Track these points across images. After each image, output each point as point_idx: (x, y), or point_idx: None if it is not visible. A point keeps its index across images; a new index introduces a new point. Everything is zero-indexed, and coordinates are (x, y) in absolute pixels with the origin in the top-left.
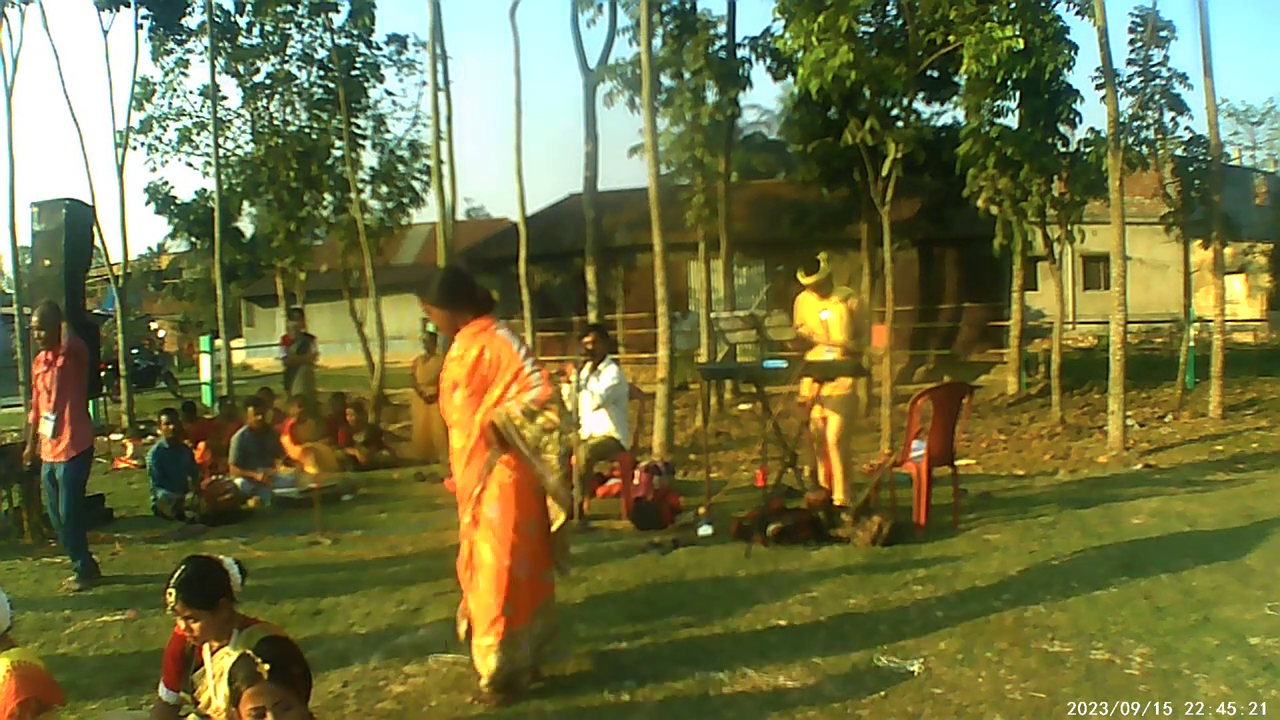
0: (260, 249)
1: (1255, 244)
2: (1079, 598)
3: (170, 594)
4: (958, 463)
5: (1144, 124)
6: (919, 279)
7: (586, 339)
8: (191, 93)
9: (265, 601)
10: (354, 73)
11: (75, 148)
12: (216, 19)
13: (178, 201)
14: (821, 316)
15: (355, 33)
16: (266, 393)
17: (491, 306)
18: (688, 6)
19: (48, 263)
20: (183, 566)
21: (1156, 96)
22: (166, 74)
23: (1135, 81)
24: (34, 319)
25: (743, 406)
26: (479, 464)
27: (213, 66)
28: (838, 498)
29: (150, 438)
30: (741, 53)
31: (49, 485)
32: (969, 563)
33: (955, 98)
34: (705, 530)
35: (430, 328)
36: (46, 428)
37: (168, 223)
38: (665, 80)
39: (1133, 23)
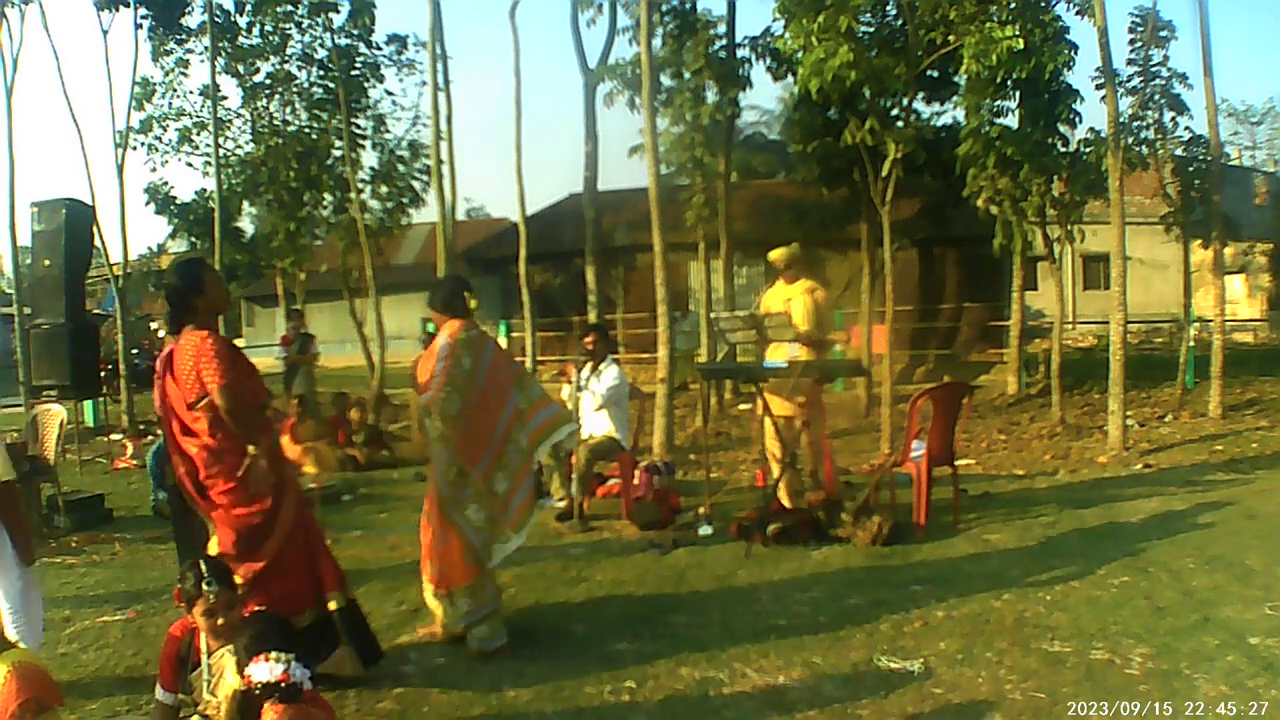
0: (260, 249)
1: (1255, 244)
2: (1079, 598)
3: (208, 585)
4: (958, 463)
5: (1144, 124)
6: (919, 279)
7: (587, 339)
8: (191, 93)
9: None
10: (354, 73)
11: (75, 148)
12: (216, 19)
13: (178, 201)
14: (786, 304)
15: (355, 33)
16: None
17: (466, 314)
18: (688, 6)
19: (48, 263)
20: (196, 565)
21: (1156, 96)
22: (166, 74)
23: (1135, 81)
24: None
25: (743, 406)
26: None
27: (213, 66)
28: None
29: (150, 438)
30: (741, 53)
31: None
32: (969, 563)
33: (955, 98)
34: (705, 530)
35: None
36: None
37: (168, 223)
38: (665, 80)
39: (1133, 23)
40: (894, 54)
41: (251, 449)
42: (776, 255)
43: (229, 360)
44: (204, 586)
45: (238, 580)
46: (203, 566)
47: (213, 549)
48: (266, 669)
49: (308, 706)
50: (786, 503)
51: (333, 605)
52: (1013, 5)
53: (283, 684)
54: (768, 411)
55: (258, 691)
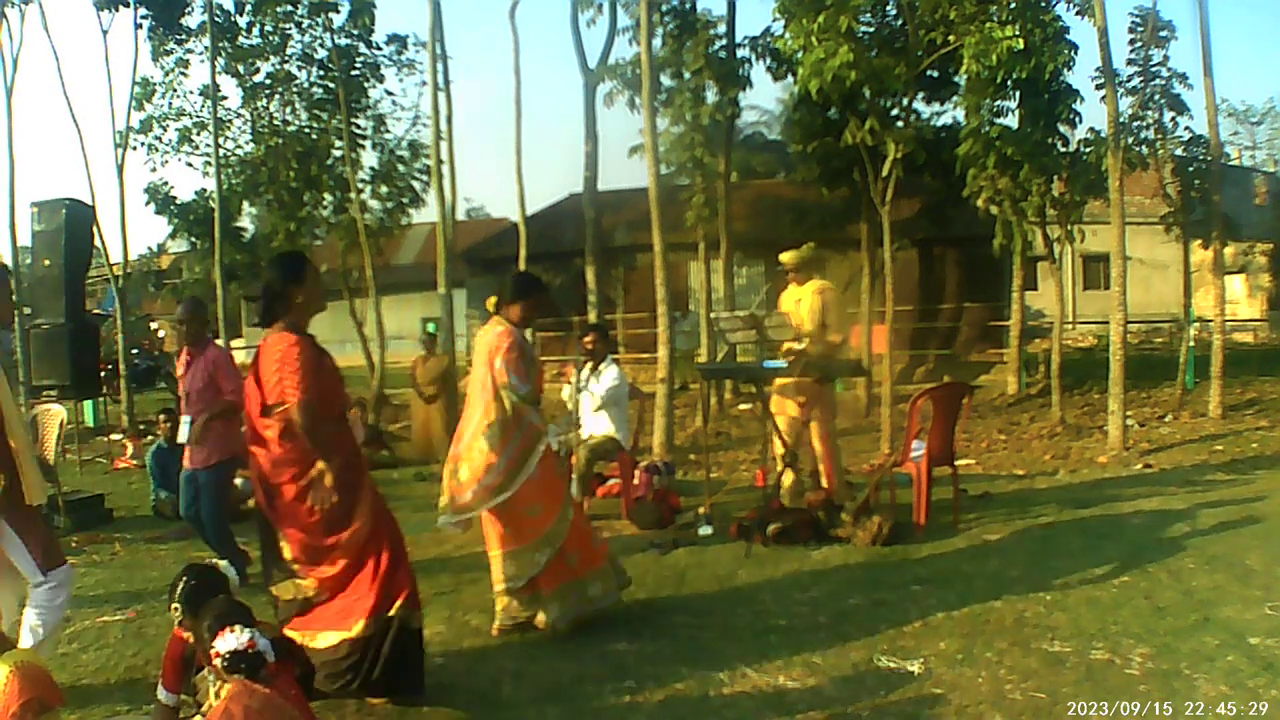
0: (260, 249)
1: (1255, 244)
2: (1079, 598)
3: (176, 608)
4: (958, 463)
5: (1144, 124)
6: (919, 279)
7: (587, 339)
8: (191, 93)
9: (266, 601)
10: (354, 73)
11: (75, 148)
12: (216, 19)
13: (178, 201)
14: (796, 304)
15: (355, 33)
16: None
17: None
18: (688, 6)
19: (48, 263)
20: (184, 578)
21: (1156, 96)
22: (166, 74)
23: (1135, 81)
24: (179, 312)
25: (743, 406)
26: None
27: (213, 66)
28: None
29: (150, 438)
30: (741, 53)
31: (188, 486)
32: (969, 563)
33: (955, 98)
34: (705, 530)
35: (430, 328)
36: (183, 434)
37: (168, 223)
38: (665, 80)
39: (1133, 23)
40: (894, 54)
41: (320, 465)
42: (787, 258)
43: (313, 373)
44: (172, 607)
45: (308, 584)
46: (181, 585)
47: (286, 552)
48: (232, 639)
49: (271, 692)
50: (820, 491)
51: (391, 613)
52: (1013, 5)
53: (249, 651)
54: (766, 412)
55: (225, 664)
